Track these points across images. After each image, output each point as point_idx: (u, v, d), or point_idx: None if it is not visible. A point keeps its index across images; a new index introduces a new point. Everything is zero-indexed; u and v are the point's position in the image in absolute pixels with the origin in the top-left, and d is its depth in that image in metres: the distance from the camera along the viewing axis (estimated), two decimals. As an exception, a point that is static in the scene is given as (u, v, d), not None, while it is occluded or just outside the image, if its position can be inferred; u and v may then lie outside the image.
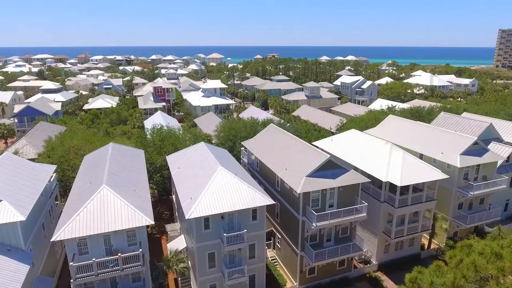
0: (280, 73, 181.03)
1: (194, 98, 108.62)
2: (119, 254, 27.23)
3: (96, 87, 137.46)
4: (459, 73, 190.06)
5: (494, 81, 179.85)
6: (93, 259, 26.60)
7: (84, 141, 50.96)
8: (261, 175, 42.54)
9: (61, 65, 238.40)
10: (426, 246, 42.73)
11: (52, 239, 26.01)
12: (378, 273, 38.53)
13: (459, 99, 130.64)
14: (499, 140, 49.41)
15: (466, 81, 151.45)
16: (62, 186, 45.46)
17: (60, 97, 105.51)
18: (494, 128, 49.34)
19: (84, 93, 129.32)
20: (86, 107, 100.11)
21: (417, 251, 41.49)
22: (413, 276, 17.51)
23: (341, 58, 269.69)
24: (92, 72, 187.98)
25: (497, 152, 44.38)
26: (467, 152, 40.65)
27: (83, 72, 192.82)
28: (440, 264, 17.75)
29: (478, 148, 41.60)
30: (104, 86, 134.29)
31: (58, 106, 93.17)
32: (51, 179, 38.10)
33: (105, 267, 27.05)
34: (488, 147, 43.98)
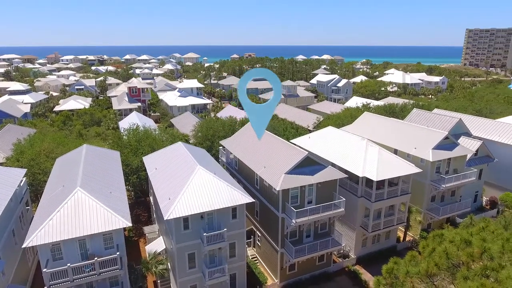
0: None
1: (170, 98, 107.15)
2: (95, 258, 26.49)
3: (67, 88, 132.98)
4: (430, 71, 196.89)
5: (463, 79, 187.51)
6: (68, 264, 25.75)
7: (55, 144, 49.28)
8: (240, 173, 42.50)
9: (29, 65, 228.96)
10: (401, 239, 43.99)
11: (24, 246, 24.98)
12: (357, 266, 39.34)
13: (430, 96, 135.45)
14: (468, 134, 51.59)
15: (436, 79, 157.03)
16: (33, 191, 43.77)
17: (29, 98, 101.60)
18: (463, 123, 51.47)
19: (54, 94, 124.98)
20: (57, 108, 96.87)
21: (394, 243, 42.66)
22: (390, 267, 18.01)
23: (316, 57, 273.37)
24: (62, 72, 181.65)
25: (466, 146, 46.26)
26: (439, 147, 42.17)
27: (53, 73, 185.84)
28: (414, 254, 18.33)
29: (448, 142, 43.24)
30: (76, 87, 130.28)
31: (27, 108, 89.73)
32: (21, 184, 36.55)
33: (81, 272, 26.25)
34: (458, 141, 45.81)
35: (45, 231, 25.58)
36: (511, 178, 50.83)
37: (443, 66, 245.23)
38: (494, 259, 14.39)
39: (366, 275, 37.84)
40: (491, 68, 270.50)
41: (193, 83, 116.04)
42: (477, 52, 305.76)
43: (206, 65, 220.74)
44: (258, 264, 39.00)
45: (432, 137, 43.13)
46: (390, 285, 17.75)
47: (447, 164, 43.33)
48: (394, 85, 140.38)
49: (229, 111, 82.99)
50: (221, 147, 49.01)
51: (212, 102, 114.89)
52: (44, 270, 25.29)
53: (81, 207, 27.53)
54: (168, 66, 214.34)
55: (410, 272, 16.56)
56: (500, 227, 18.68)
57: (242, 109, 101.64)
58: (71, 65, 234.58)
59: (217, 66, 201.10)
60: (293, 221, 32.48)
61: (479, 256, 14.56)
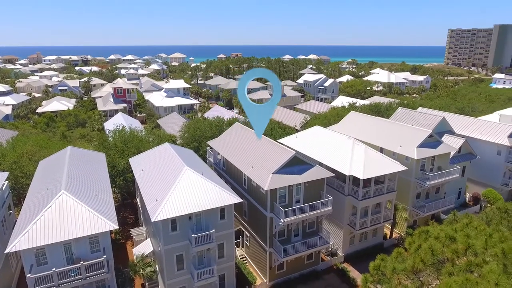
0: (244, 72, 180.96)
1: (157, 99, 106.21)
2: (81, 262, 26.02)
3: (50, 89, 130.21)
4: (414, 70, 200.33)
5: (446, 78, 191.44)
6: (53, 269, 25.22)
7: (38, 146, 48.21)
8: (228, 174, 42.38)
9: (10, 66, 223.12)
10: (388, 236, 44.63)
11: (7, 251, 24.38)
12: (345, 264, 39.73)
13: (415, 95, 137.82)
14: (451, 132, 52.66)
15: (420, 78, 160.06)
16: (16, 195, 42.71)
17: (10, 100, 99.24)
18: (446, 122, 52.52)
19: (37, 95, 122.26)
20: (40, 110, 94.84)
21: (380, 241, 43.24)
22: (377, 264, 18.23)
23: (303, 57, 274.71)
24: (45, 73, 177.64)
25: (449, 144, 47.23)
26: (423, 145, 42.96)
27: (36, 73, 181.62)
28: (400, 251, 18.62)
29: (433, 140, 44.09)
30: (59, 88, 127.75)
31: (8, 110, 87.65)
32: (3, 187, 35.61)
33: (67, 276, 25.76)
34: (442, 139, 46.73)
35: (29, 235, 25.00)
36: (493, 174, 52.18)
37: (427, 65, 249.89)
38: (478, 255, 14.73)
39: (354, 273, 38.24)
40: (473, 67, 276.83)
41: (180, 84, 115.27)
42: (459, 51, 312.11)
43: (193, 65, 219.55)
44: (247, 264, 38.98)
45: (417, 135, 43.89)
46: (377, 282, 17.99)
47: (431, 161, 44.15)
48: (379, 84, 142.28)
49: (216, 111, 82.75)
50: (209, 147, 48.78)
51: (199, 102, 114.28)
52: (28, 275, 24.70)
53: (66, 210, 27.00)
54: (154, 66, 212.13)
55: (397, 268, 16.81)
56: (482, 223, 19.15)
57: (230, 109, 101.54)
58: (54, 66, 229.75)
59: (204, 66, 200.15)
60: (281, 220, 32.58)
61: (463, 252, 14.89)
